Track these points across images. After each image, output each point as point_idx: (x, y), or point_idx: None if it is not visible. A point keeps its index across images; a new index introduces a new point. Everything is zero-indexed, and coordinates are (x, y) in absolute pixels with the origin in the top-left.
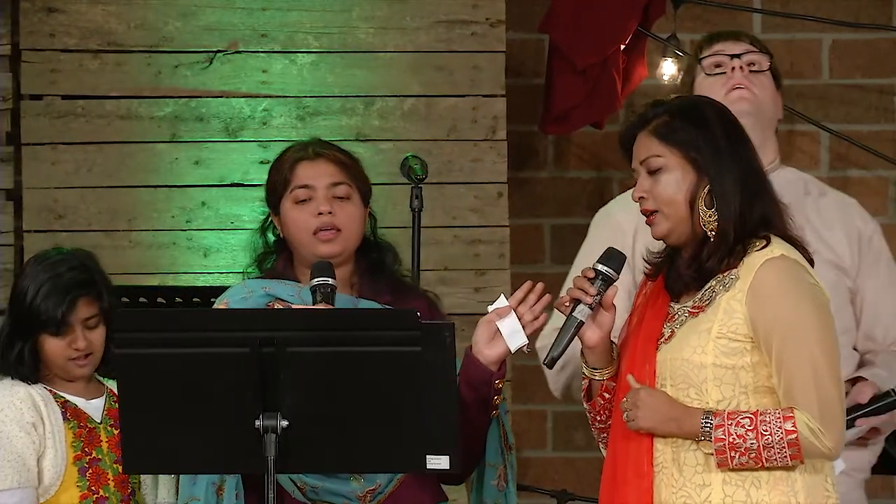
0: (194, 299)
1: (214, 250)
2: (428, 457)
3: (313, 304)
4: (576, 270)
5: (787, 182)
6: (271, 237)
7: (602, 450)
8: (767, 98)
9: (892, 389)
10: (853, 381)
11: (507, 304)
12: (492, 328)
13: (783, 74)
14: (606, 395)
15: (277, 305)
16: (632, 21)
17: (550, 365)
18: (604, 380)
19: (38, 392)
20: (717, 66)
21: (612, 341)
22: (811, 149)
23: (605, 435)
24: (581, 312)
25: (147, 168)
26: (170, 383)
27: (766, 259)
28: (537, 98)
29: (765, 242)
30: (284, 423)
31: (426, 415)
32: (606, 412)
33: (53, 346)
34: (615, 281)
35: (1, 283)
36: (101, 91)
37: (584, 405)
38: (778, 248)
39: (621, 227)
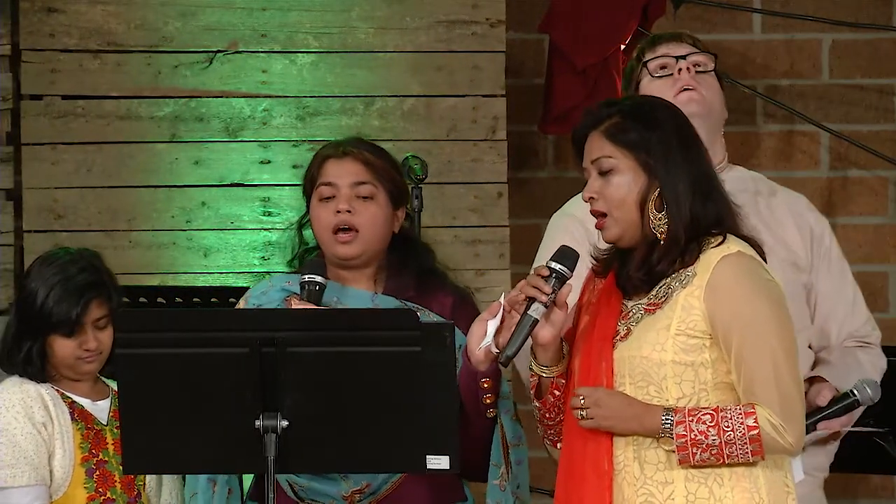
0: (194, 299)
1: (214, 250)
2: (428, 457)
3: (300, 299)
4: None
5: (737, 181)
6: (310, 234)
7: (548, 447)
8: (715, 99)
9: (851, 390)
10: (811, 381)
11: (500, 302)
12: (483, 327)
13: (783, 74)
14: (557, 393)
15: (294, 300)
16: (631, 21)
17: (505, 363)
18: (553, 377)
19: (46, 391)
20: (663, 67)
21: (561, 339)
22: (811, 149)
23: (553, 432)
24: (536, 311)
25: (147, 168)
26: (170, 383)
27: (722, 255)
28: (537, 98)
29: (721, 239)
30: (284, 423)
31: (426, 415)
32: (556, 409)
33: (64, 346)
34: (569, 279)
35: (1, 284)
36: (101, 91)
37: (535, 403)
38: (734, 244)
39: (584, 224)
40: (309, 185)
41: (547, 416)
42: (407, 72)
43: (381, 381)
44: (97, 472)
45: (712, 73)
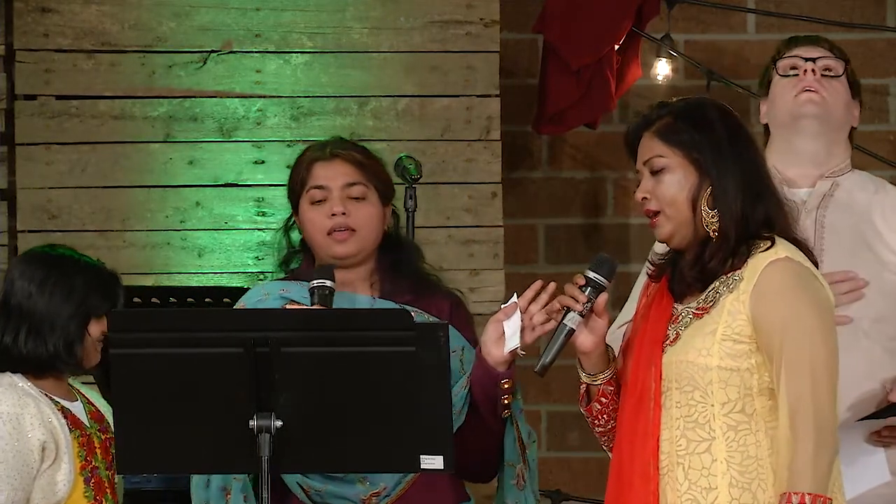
0: (188, 299)
1: (208, 250)
2: (422, 457)
3: (311, 306)
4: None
5: (857, 182)
6: (295, 236)
7: (608, 452)
8: (838, 103)
9: None
10: None
11: (515, 302)
12: (499, 328)
13: None
14: (604, 400)
15: (292, 307)
16: (626, 21)
17: (542, 373)
18: (601, 384)
19: (46, 405)
20: (792, 68)
21: (607, 345)
22: None
23: (606, 439)
24: (571, 320)
25: (141, 168)
26: (164, 383)
27: (770, 261)
28: (531, 98)
29: (769, 244)
30: (279, 423)
31: (420, 415)
32: (605, 416)
33: (97, 327)
34: (606, 288)
35: None
36: (95, 91)
37: (581, 410)
38: (782, 249)
39: None
40: (298, 187)
41: (596, 422)
42: (401, 72)
43: (376, 380)
44: (93, 480)
45: (842, 78)
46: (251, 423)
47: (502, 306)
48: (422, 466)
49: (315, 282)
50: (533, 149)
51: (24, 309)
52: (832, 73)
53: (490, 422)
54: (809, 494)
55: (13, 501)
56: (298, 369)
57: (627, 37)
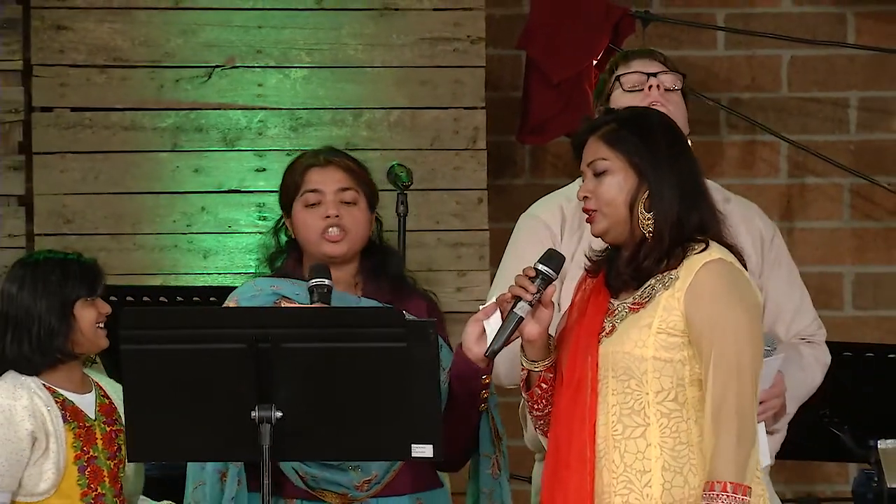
0: (194, 298)
1: (213, 252)
2: (413, 446)
3: (311, 303)
4: (505, 270)
5: None
6: (283, 238)
7: (541, 437)
8: (680, 116)
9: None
10: None
11: (494, 303)
12: (479, 327)
13: (745, 88)
14: (544, 386)
15: (284, 303)
16: (603, 38)
17: (491, 357)
18: (541, 371)
19: (41, 397)
20: (635, 83)
21: (549, 334)
22: (771, 158)
23: (542, 423)
24: (521, 309)
25: (150, 176)
26: (172, 377)
27: (705, 262)
28: (515, 110)
29: (704, 246)
30: (279, 414)
31: (411, 406)
32: (543, 401)
33: (87, 313)
34: (554, 280)
35: None
36: (108, 103)
37: (523, 395)
38: (716, 251)
39: (548, 226)
40: (292, 191)
41: (535, 407)
42: (393, 86)
43: (369, 374)
44: (88, 469)
45: (679, 91)
46: (253, 414)
47: (481, 307)
48: (413, 455)
49: (314, 281)
50: (516, 158)
51: (10, 313)
52: (671, 87)
53: (468, 414)
54: (731, 483)
55: (6, 488)
56: (297, 364)
57: (605, 53)
